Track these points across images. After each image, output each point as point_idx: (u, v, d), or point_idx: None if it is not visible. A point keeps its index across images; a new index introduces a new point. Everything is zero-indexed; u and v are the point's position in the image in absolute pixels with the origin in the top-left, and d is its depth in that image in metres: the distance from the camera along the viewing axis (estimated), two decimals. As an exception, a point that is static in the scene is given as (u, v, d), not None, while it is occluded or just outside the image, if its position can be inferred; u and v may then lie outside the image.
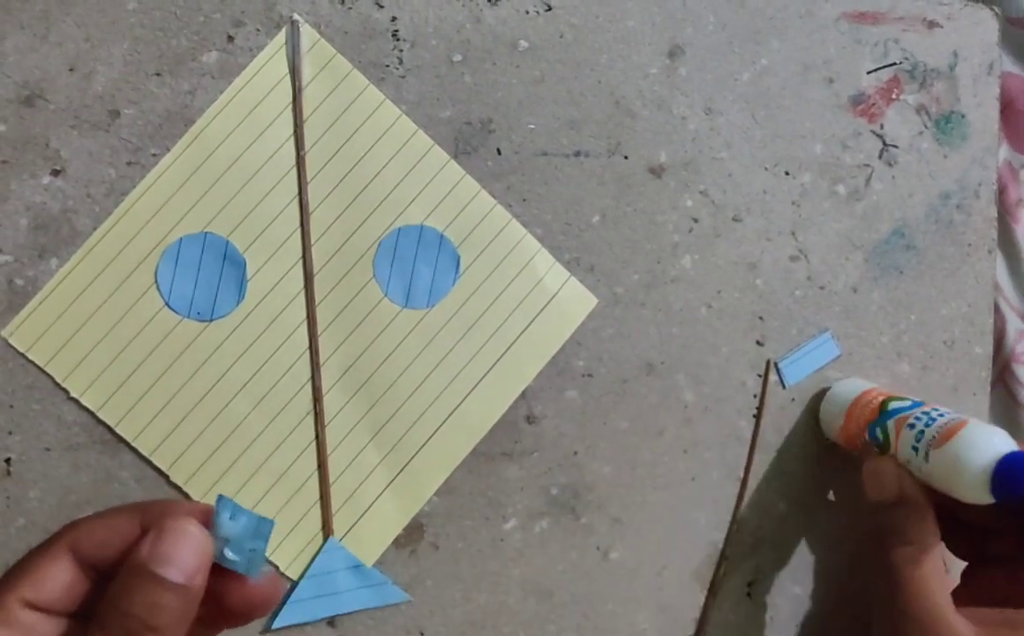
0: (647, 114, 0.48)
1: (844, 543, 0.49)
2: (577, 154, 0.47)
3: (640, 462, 0.47)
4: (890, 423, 0.42)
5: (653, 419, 0.47)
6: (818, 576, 0.49)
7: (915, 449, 0.39)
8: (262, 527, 0.27)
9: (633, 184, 0.47)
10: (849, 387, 0.47)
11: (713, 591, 0.48)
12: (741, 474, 0.48)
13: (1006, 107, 0.52)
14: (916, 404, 0.42)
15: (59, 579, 0.29)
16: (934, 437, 0.38)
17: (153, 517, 0.30)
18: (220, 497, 0.27)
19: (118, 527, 0.29)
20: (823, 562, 0.49)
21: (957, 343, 0.50)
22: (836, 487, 0.49)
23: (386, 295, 0.45)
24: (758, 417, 0.48)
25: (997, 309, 0.51)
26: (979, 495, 0.36)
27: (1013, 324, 0.51)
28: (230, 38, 0.45)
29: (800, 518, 0.49)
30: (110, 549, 0.29)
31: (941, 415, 0.40)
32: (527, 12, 0.47)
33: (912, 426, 0.40)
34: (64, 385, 0.43)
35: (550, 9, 0.47)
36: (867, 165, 0.50)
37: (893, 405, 0.43)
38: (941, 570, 0.39)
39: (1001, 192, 0.52)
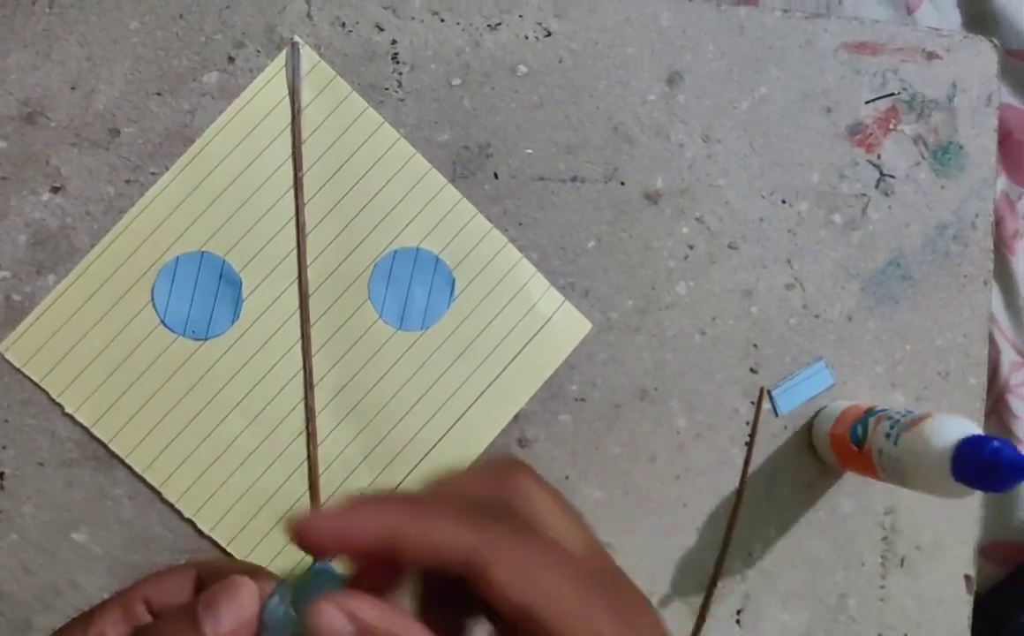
0: (645, 140, 0.48)
1: (834, 571, 0.49)
2: (574, 179, 0.47)
3: (632, 487, 0.47)
4: (871, 420, 0.44)
5: (645, 445, 0.47)
6: (807, 603, 0.49)
7: (888, 436, 0.41)
8: (291, 625, 0.28)
9: (629, 210, 0.48)
10: (847, 402, 0.48)
11: (703, 617, 0.48)
12: (733, 501, 0.48)
13: (1004, 139, 0.52)
14: (901, 410, 0.44)
15: (179, 591, 0.31)
16: (907, 424, 0.41)
17: (263, 575, 0.32)
18: (281, 581, 0.28)
19: (238, 570, 0.31)
20: (813, 590, 0.49)
21: (952, 374, 0.50)
22: (827, 516, 0.49)
23: (380, 317, 0.45)
24: (750, 444, 0.48)
25: (992, 340, 0.51)
26: (942, 473, 0.38)
27: (1007, 356, 0.52)
28: (231, 59, 0.45)
29: (790, 545, 0.49)
30: None
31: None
32: (526, 37, 0.47)
33: (889, 419, 0.42)
34: (59, 401, 0.43)
35: (550, 35, 0.47)
36: (864, 195, 0.50)
37: (880, 408, 0.45)
38: None
39: (998, 223, 0.52)
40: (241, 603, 0.28)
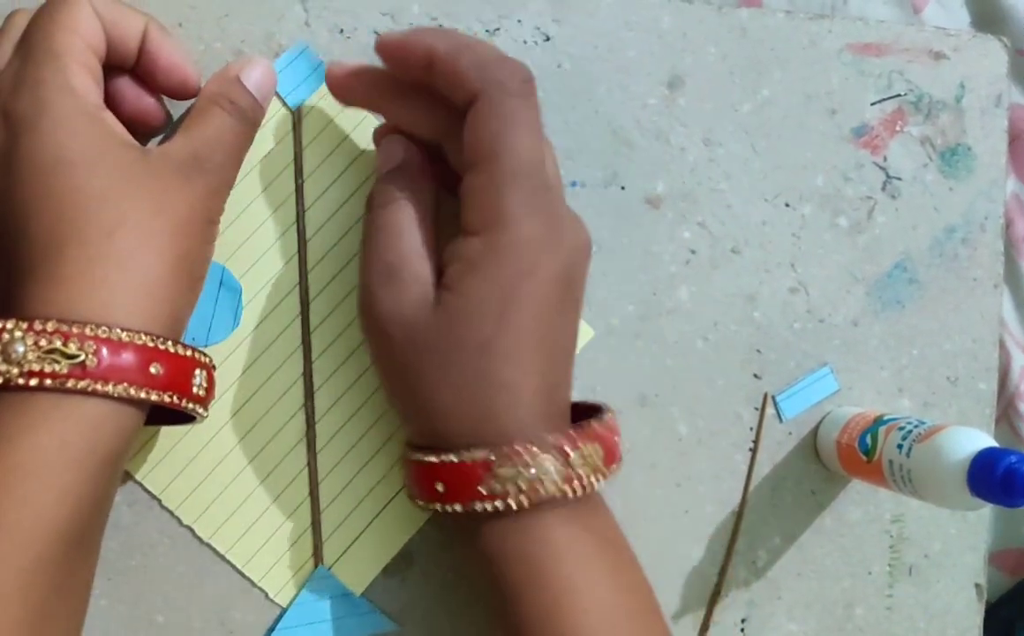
0: (645, 144, 0.48)
1: (840, 579, 0.48)
2: (573, 184, 0.47)
3: (632, 494, 0.47)
4: (881, 429, 0.43)
5: (646, 451, 0.47)
6: (813, 612, 0.48)
7: (900, 446, 0.41)
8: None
9: (630, 215, 0.47)
10: (852, 409, 0.47)
11: (706, 627, 0.47)
12: (736, 508, 0.48)
13: (1014, 140, 0.52)
14: (911, 419, 0.43)
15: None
16: (919, 435, 0.40)
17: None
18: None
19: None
20: (819, 598, 0.48)
21: (961, 379, 0.50)
22: (832, 523, 0.48)
23: (380, 323, 0.45)
24: (754, 451, 0.48)
25: (1002, 345, 0.50)
26: (957, 486, 0.37)
27: (1018, 361, 0.51)
28: (230, 66, 0.45)
29: (795, 553, 0.48)
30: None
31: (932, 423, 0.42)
32: (525, 42, 0.47)
33: (901, 429, 0.42)
34: (60, 408, 0.43)
35: (548, 39, 0.47)
36: (870, 197, 0.49)
37: (888, 417, 0.44)
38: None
39: (1008, 226, 0.51)
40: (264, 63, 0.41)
